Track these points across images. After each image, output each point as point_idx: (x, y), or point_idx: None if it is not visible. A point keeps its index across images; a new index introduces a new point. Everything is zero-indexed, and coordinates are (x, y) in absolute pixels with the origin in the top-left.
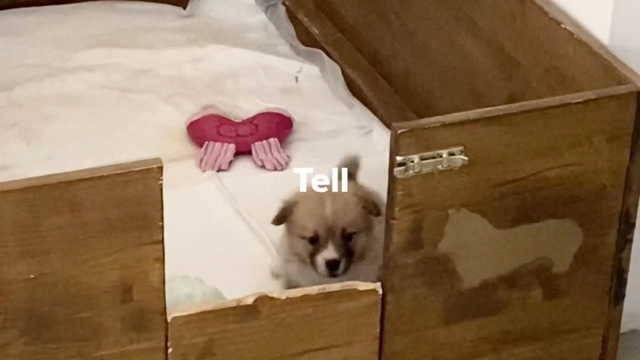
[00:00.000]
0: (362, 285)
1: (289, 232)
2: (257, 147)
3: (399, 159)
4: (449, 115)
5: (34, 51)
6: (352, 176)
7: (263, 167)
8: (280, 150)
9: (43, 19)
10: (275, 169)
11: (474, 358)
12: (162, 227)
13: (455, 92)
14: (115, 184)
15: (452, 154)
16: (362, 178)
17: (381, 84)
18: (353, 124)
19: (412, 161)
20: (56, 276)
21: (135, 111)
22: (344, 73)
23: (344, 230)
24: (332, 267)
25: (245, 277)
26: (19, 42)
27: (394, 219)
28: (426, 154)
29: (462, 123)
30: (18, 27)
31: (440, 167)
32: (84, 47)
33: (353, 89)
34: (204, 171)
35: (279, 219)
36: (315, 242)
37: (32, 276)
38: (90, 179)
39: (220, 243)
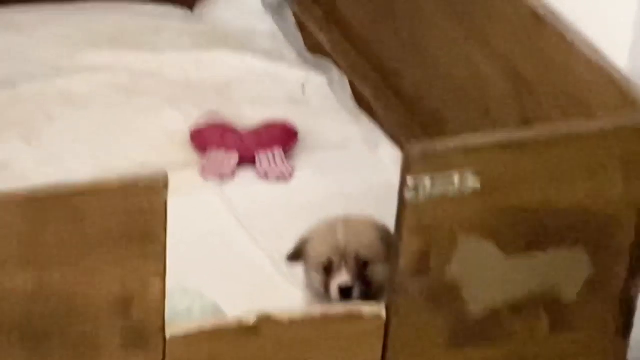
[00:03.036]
0: (366, 308)
1: (306, 267)
2: (261, 157)
3: (409, 181)
4: (463, 137)
5: (39, 48)
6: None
7: (266, 177)
8: (285, 161)
9: (49, 15)
10: (279, 180)
11: None
12: (164, 242)
13: (465, 109)
14: (120, 197)
15: (464, 179)
16: (368, 192)
17: (389, 97)
18: (359, 136)
19: (424, 184)
20: (55, 288)
21: (139, 114)
22: (351, 84)
23: (358, 255)
24: (346, 294)
25: (245, 291)
26: (24, 38)
27: (401, 242)
28: (438, 177)
29: (477, 147)
30: (23, 23)
31: (451, 191)
32: (90, 46)
33: (360, 100)
34: (206, 179)
35: (295, 255)
36: (329, 269)
37: (30, 287)
38: (95, 190)
39: (221, 254)
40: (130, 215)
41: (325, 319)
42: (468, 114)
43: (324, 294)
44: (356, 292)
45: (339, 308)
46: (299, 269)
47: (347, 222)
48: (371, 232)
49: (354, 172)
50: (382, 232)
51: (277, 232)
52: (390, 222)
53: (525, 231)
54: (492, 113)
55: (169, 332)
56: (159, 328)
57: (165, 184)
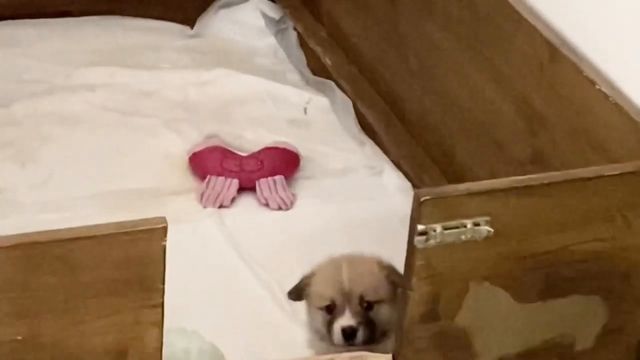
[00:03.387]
0: (372, 357)
1: (309, 307)
2: (262, 184)
3: (420, 227)
4: (475, 183)
5: (34, 65)
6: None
7: (267, 205)
8: (286, 188)
9: (45, 32)
10: (280, 209)
11: None
12: (162, 289)
13: (474, 140)
14: (116, 244)
15: (477, 224)
16: (372, 222)
17: (394, 122)
18: (363, 162)
19: (434, 230)
20: (46, 339)
21: (136, 135)
22: (355, 108)
23: (362, 297)
24: (349, 336)
25: (245, 330)
26: (18, 54)
27: (410, 289)
28: (449, 223)
29: (490, 192)
30: (18, 39)
31: (463, 237)
32: (87, 63)
33: (364, 125)
34: (204, 207)
35: (297, 293)
36: (332, 310)
37: (19, 337)
38: (89, 237)
39: (220, 288)
40: (127, 261)
41: None
42: (478, 146)
43: (327, 336)
44: (360, 334)
45: (345, 357)
46: (301, 306)
47: (351, 261)
48: (376, 271)
49: (358, 200)
50: (388, 271)
51: (278, 264)
52: (394, 252)
53: (540, 278)
54: (503, 145)
55: None
56: None
57: (164, 231)
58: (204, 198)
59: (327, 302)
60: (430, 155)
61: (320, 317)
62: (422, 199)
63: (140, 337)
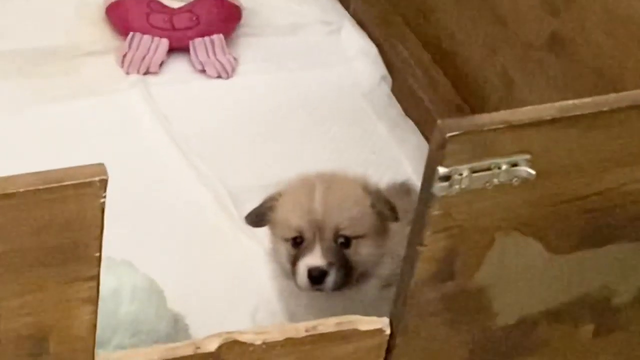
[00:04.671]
0: (365, 324)
1: (272, 236)
2: (197, 45)
3: (442, 171)
4: (514, 112)
5: None
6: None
7: (203, 72)
8: (226, 51)
9: None
10: (219, 76)
11: None
12: (99, 258)
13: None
14: (36, 204)
15: (514, 165)
16: (327, 93)
17: None
18: (317, 17)
19: (460, 174)
20: None
21: None
22: None
23: (337, 229)
24: (316, 279)
25: (183, 248)
26: None
27: (421, 245)
28: (480, 164)
29: (534, 124)
30: None
31: (496, 181)
32: None
33: None
34: (127, 73)
35: (257, 218)
36: (299, 244)
37: None
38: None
39: (147, 189)
40: (51, 225)
41: (311, 341)
42: (472, 17)
43: (292, 274)
44: (331, 278)
45: (330, 324)
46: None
47: (328, 182)
48: (359, 197)
49: (311, 67)
50: (374, 197)
51: (218, 150)
52: (352, 136)
53: (582, 224)
54: (509, 25)
55: None
56: None
57: (102, 185)
58: (126, 61)
59: (294, 234)
60: (403, 14)
61: (285, 250)
62: (447, 135)
63: (68, 317)
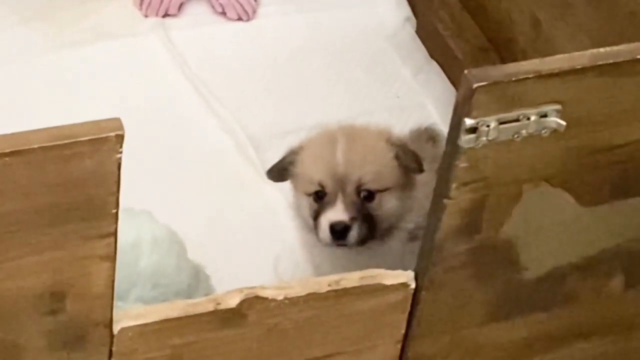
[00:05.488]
0: (390, 278)
1: (294, 190)
2: None
3: (469, 122)
4: (543, 61)
5: None
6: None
7: (223, 14)
8: None
9: None
10: (240, 18)
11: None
12: (116, 215)
13: None
14: (50, 161)
15: (543, 116)
16: (355, 38)
17: None
18: None
19: (488, 126)
20: None
21: None
22: None
23: (360, 183)
24: (339, 234)
25: (204, 196)
26: None
27: (448, 198)
28: (508, 115)
29: (565, 73)
30: None
31: (524, 132)
32: None
33: None
34: (146, 16)
35: (279, 172)
36: (322, 198)
37: None
38: (13, 153)
39: (168, 135)
40: (68, 182)
41: (335, 296)
42: None
43: (315, 229)
44: (354, 233)
45: (354, 279)
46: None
47: (351, 135)
48: (383, 150)
49: (334, 8)
50: (399, 149)
51: (239, 96)
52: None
53: (613, 174)
54: None
55: (118, 324)
56: (105, 323)
57: (119, 140)
58: (145, 3)
59: (316, 188)
60: None
61: (307, 205)
62: (475, 85)
63: (86, 275)
